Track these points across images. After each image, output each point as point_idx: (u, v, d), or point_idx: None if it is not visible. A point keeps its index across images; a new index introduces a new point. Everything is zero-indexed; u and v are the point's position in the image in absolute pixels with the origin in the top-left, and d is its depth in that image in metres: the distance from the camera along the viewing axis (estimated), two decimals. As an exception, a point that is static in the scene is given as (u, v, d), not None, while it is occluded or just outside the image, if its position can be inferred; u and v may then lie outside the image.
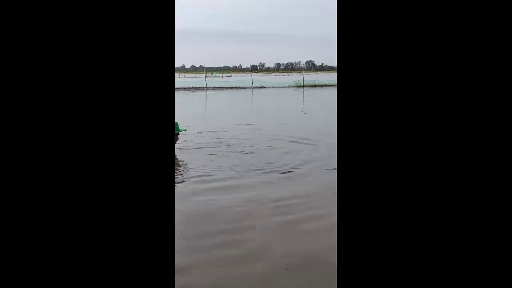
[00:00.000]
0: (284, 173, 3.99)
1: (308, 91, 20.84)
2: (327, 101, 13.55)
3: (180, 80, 29.59)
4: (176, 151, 4.96)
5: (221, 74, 54.82)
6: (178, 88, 23.41)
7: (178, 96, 17.65)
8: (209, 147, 5.41)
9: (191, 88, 23.89)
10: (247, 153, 5.02)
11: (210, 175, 3.88)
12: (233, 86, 25.32)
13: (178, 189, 3.47)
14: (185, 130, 5.17)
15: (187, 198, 3.18)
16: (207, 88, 23.65)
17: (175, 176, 3.88)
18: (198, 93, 20.61)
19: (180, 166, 4.36)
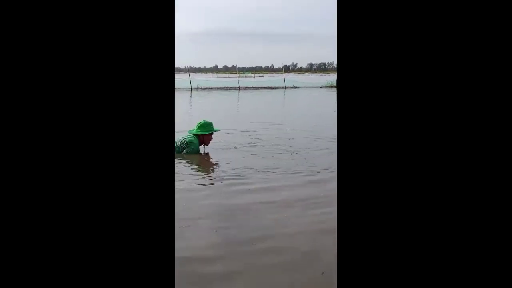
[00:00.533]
0: (327, 173, 3.76)
1: (342, 91, 20.31)
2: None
3: (213, 80, 29.79)
4: (210, 152, 4.83)
5: (253, 74, 54.98)
6: (212, 88, 23.59)
7: (211, 96, 17.72)
8: (245, 147, 5.23)
9: (224, 88, 23.96)
10: (285, 153, 4.80)
11: (246, 177, 3.69)
12: (265, 86, 25.20)
13: (210, 191, 3.32)
14: (219, 130, 5.03)
15: (222, 201, 3.02)
16: (239, 88, 23.64)
17: (208, 178, 3.74)
18: (231, 93, 20.61)
19: (214, 167, 4.22)
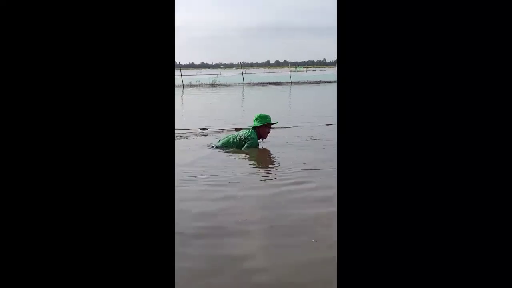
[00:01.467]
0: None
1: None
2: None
3: (265, 75, 29.82)
4: (269, 147, 4.74)
5: (305, 69, 54.28)
6: (264, 83, 23.62)
7: (264, 91, 17.71)
8: (304, 141, 5.07)
9: (276, 82, 23.88)
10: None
11: (305, 176, 3.46)
12: (317, 80, 24.75)
13: (265, 191, 3.24)
14: (276, 123, 4.95)
15: (275, 201, 2.93)
16: (291, 83, 23.43)
17: (266, 176, 3.67)
18: (282, 87, 20.48)
19: (271, 163, 4.14)
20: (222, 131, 5.87)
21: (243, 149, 4.58)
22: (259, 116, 4.77)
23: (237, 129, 5.67)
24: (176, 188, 3.01)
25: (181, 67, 26.50)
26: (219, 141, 4.81)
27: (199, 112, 9.29)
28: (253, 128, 4.74)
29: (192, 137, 5.60)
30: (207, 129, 5.97)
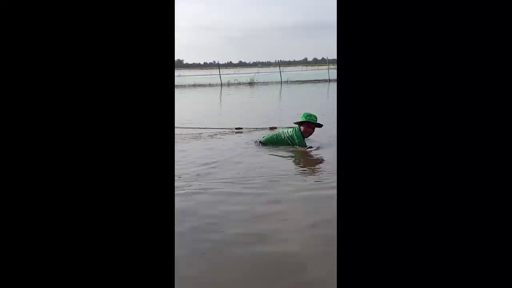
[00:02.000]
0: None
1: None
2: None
3: (302, 73, 29.52)
4: (315, 147, 4.54)
5: (343, 66, 53.17)
6: (301, 81, 23.37)
7: (302, 89, 17.51)
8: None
9: (314, 80, 23.54)
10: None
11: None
12: (357, 77, 24.09)
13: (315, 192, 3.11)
14: (321, 125, 4.75)
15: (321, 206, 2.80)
16: (329, 80, 23.00)
17: (309, 178, 3.54)
18: (320, 85, 20.13)
19: (316, 165, 3.98)
20: (256, 129, 5.80)
21: (297, 143, 4.49)
22: (304, 114, 4.67)
23: (271, 128, 5.58)
24: (218, 191, 3.00)
25: (219, 66, 26.73)
26: (263, 137, 4.76)
27: (235, 111, 9.29)
28: (298, 125, 4.64)
29: (228, 136, 5.56)
30: (241, 128, 5.91)
